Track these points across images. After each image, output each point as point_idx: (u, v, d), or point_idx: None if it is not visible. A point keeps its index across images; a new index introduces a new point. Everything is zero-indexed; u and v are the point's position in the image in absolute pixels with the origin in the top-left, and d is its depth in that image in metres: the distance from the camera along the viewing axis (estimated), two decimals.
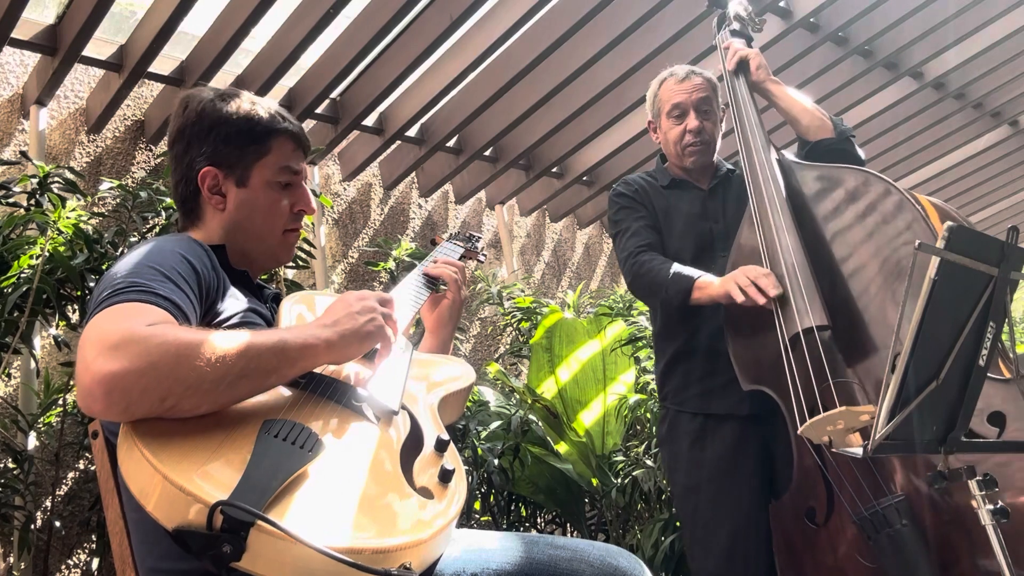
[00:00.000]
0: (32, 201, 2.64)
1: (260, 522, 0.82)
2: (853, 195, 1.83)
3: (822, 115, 2.12)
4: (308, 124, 3.96)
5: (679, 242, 2.08)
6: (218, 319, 1.16)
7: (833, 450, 1.56)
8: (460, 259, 1.71)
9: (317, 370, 1.12)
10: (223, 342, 0.96)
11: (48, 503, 2.87)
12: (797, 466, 1.77)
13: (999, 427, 1.49)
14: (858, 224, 1.80)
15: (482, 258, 1.84)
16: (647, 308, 2.46)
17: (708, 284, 1.90)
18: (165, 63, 3.43)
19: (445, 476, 1.02)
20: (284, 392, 1.06)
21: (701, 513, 1.95)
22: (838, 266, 1.79)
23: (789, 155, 2.06)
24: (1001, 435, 1.48)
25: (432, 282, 1.51)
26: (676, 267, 1.97)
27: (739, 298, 1.78)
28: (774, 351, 1.76)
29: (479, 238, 1.85)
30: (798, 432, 1.57)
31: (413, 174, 4.67)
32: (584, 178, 5.05)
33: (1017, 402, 1.50)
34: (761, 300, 1.74)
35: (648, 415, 3.33)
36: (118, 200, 3.07)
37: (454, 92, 3.82)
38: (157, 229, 2.82)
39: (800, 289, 1.73)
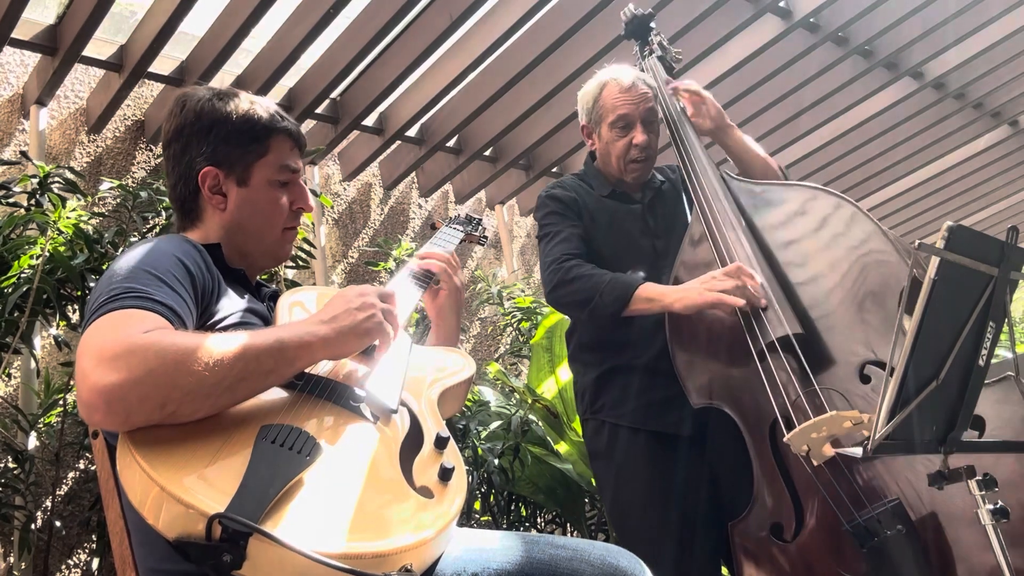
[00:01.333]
0: (32, 201, 2.64)
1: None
2: (802, 210, 1.82)
3: (768, 160, 2.06)
4: (308, 124, 3.96)
5: (623, 258, 1.96)
6: (214, 319, 1.16)
7: (836, 451, 1.54)
8: (462, 243, 1.71)
9: (315, 370, 1.12)
10: (220, 346, 0.95)
11: (48, 503, 2.87)
12: (759, 481, 1.69)
13: (979, 430, 1.49)
14: (812, 238, 1.78)
15: (484, 240, 1.81)
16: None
17: (661, 295, 1.79)
18: (165, 63, 3.43)
19: (445, 475, 1.02)
20: (281, 394, 1.05)
21: (644, 533, 1.86)
22: (789, 280, 1.76)
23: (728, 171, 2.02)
24: (981, 437, 1.48)
25: (425, 277, 1.49)
26: (611, 274, 1.85)
27: (736, 303, 1.68)
28: (732, 364, 1.73)
29: (480, 220, 1.82)
30: (784, 440, 1.54)
31: (413, 174, 4.67)
32: None
33: (997, 405, 1.49)
34: (763, 302, 1.69)
35: None
36: (118, 200, 3.06)
37: (454, 92, 3.82)
38: (157, 229, 2.82)
39: (770, 298, 1.70)
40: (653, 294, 1.80)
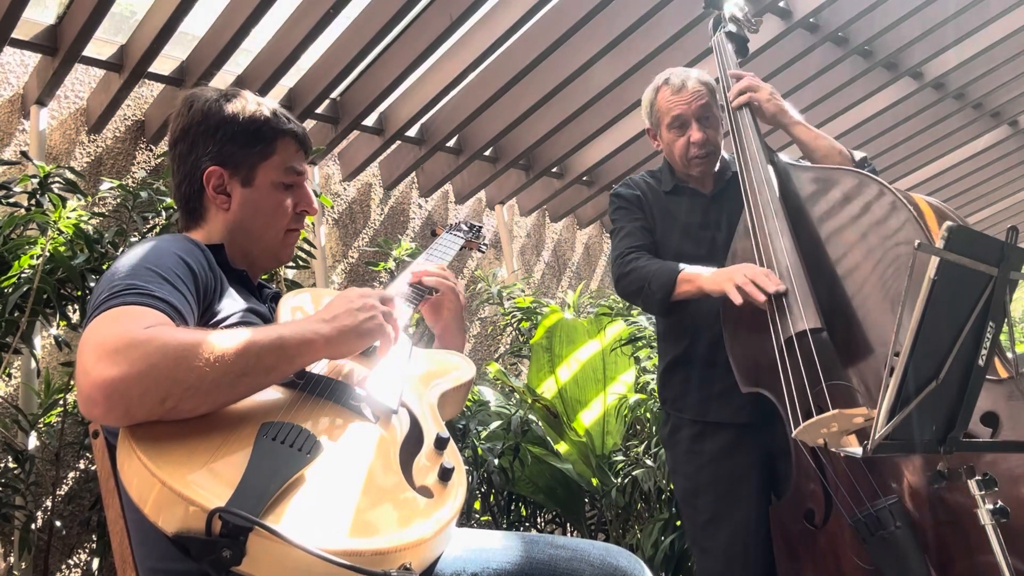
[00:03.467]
0: (32, 201, 2.64)
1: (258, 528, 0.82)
2: (847, 197, 1.82)
3: (842, 153, 2.04)
4: (308, 124, 3.96)
5: (683, 251, 2.04)
6: (216, 319, 1.16)
7: (832, 450, 1.55)
8: (462, 249, 1.71)
9: (315, 369, 1.12)
10: (221, 342, 0.96)
11: (49, 503, 2.88)
12: (796, 468, 1.77)
13: (992, 427, 1.50)
14: (852, 226, 1.79)
15: (484, 247, 1.83)
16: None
17: (696, 276, 1.88)
18: (165, 63, 3.43)
19: (445, 475, 1.02)
20: (282, 393, 1.06)
21: (700, 515, 1.96)
22: (834, 268, 1.79)
23: (785, 157, 2.04)
24: (995, 435, 1.48)
25: (419, 292, 1.48)
26: (660, 263, 1.96)
27: (737, 299, 1.75)
28: (772, 354, 1.75)
29: (480, 227, 1.84)
30: (792, 435, 1.58)
31: (413, 174, 4.68)
32: (584, 178, 5.05)
33: (1010, 402, 1.50)
34: (760, 297, 1.72)
35: (648, 415, 3.33)
36: (118, 200, 3.07)
37: (454, 92, 3.82)
38: (157, 229, 2.82)
39: (794, 292, 1.72)
40: (691, 275, 1.90)
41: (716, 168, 2.15)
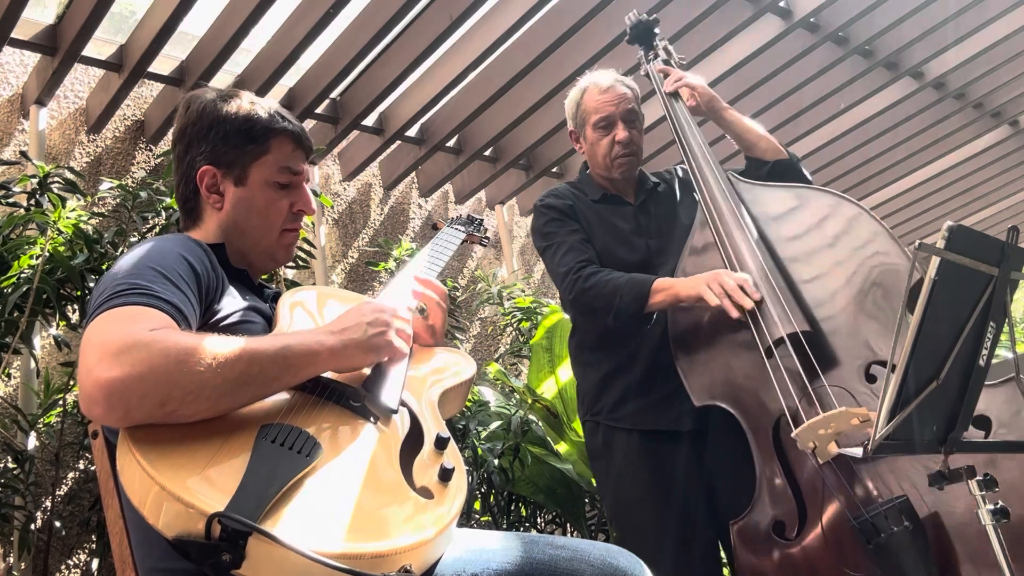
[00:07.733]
0: (32, 201, 2.64)
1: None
2: (806, 210, 1.83)
3: (770, 139, 2.10)
4: (308, 124, 3.96)
5: (618, 256, 2.02)
6: (217, 318, 1.16)
7: (839, 451, 1.54)
8: (463, 243, 1.72)
9: None
10: (225, 348, 0.95)
11: (48, 503, 2.87)
12: (761, 480, 1.70)
13: (984, 429, 1.49)
14: (816, 238, 1.80)
15: (485, 241, 1.83)
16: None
17: (670, 284, 1.85)
18: (165, 63, 3.43)
19: (445, 475, 1.02)
20: (282, 394, 1.05)
21: (642, 532, 1.89)
22: (793, 279, 1.78)
23: (735, 175, 2.04)
24: (987, 437, 1.48)
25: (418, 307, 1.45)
26: (627, 275, 1.91)
27: (713, 301, 1.73)
28: (736, 362, 1.74)
29: (481, 220, 1.83)
30: (791, 436, 1.55)
31: (413, 174, 4.67)
32: None
33: (1002, 404, 1.50)
34: (748, 304, 1.71)
35: None
36: (118, 200, 3.06)
37: (454, 92, 3.82)
38: (157, 229, 2.82)
39: (776, 295, 1.71)
40: (665, 284, 1.87)
41: (636, 177, 2.16)
